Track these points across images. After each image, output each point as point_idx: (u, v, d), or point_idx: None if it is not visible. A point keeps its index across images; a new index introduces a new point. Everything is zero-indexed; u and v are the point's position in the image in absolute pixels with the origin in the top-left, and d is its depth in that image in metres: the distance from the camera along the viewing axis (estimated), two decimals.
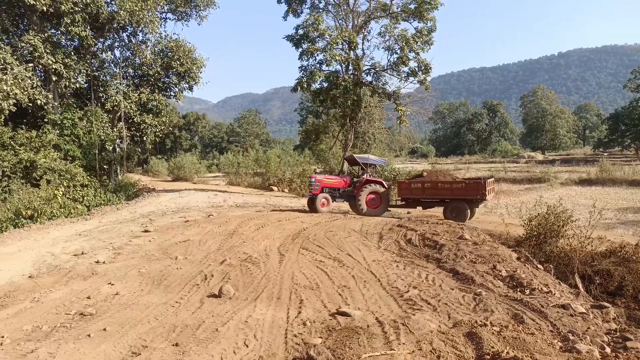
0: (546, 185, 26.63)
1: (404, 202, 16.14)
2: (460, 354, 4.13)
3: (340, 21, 24.19)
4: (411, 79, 23.46)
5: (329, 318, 5.32)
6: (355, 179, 17.05)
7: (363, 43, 23.89)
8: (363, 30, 23.95)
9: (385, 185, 16.42)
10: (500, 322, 4.88)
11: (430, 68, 22.76)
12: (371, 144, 36.98)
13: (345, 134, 25.63)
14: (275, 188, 25.68)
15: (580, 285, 8.13)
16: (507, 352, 3.98)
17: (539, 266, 8.12)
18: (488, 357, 4.03)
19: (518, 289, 6.16)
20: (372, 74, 24.58)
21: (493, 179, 16.91)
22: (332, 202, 16.24)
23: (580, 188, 25.42)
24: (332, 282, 6.88)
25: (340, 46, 22.90)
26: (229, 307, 5.81)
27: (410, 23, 23.44)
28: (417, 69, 22.85)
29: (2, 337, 5.04)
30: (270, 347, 4.55)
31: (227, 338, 4.75)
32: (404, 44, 22.19)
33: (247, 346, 4.58)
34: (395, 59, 23.00)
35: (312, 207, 15.93)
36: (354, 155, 16.65)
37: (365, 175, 16.68)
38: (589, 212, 10.22)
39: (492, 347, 4.16)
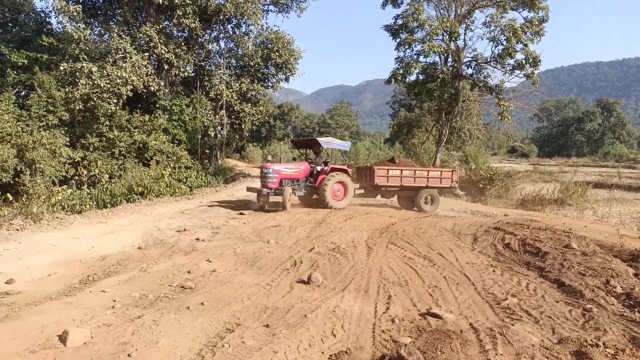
0: None
1: (362, 191, 15.03)
2: None
3: (441, 11, 23.31)
4: (517, 72, 22.02)
5: (418, 318, 5.16)
6: (314, 168, 14.41)
7: (465, 33, 22.89)
8: (466, 20, 22.86)
9: (350, 173, 14.49)
10: (615, 344, 4.36)
11: (540, 61, 21.14)
12: (466, 140, 35.43)
13: (439, 128, 24.78)
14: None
15: None
16: None
17: None
18: None
19: (636, 310, 5.49)
20: (473, 66, 23.46)
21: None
22: (293, 195, 13.77)
23: None
24: (422, 281, 6.67)
25: (440, 37, 22.09)
26: (317, 294, 5.86)
27: (519, 12, 21.96)
28: (524, 61, 21.34)
29: (114, 301, 5.55)
30: (357, 340, 4.51)
31: (315, 325, 4.79)
32: (511, 34, 20.82)
33: (334, 336, 4.58)
34: (500, 51, 21.70)
35: (282, 205, 13.09)
36: (318, 138, 14.16)
37: (328, 162, 14.59)
38: None
39: None
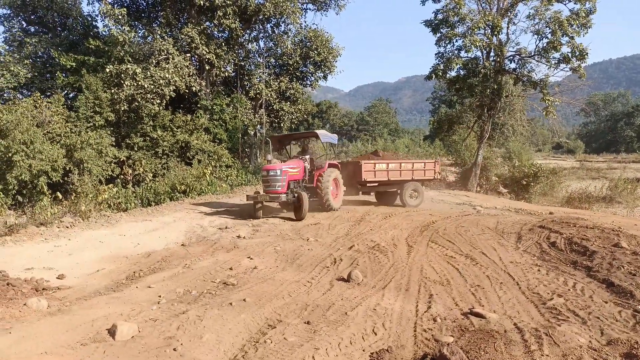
0: None
1: (344, 188, 13.50)
2: None
3: (483, 4, 22.66)
4: (562, 65, 21.11)
5: (461, 317, 5.06)
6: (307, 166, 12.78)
7: (508, 27, 22.12)
8: (509, 13, 22.12)
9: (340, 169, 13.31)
10: None
11: (587, 54, 20.19)
12: (509, 137, 34.42)
13: (481, 125, 24.15)
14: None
15: None
16: None
17: None
18: None
19: None
20: (516, 60, 22.69)
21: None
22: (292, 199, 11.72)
23: None
24: (464, 280, 6.54)
25: (481, 31, 21.49)
26: (358, 292, 5.86)
27: (565, 4, 21.10)
28: (570, 54, 20.48)
29: (160, 296, 5.74)
30: (399, 338, 4.48)
31: (356, 323, 4.79)
32: (556, 27, 20.01)
33: (375, 334, 4.56)
34: (544, 44, 20.89)
35: (298, 215, 11.56)
36: (317, 131, 12.75)
37: (313, 159, 13.10)
38: None
39: None
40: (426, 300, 5.62)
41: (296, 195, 11.59)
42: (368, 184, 14.05)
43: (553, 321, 4.92)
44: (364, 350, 4.19)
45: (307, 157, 13.04)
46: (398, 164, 14.17)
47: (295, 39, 23.73)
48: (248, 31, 23.13)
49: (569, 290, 6.10)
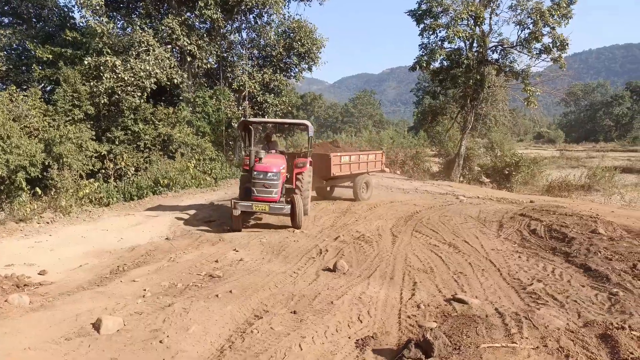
0: None
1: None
2: (591, 355, 3.77)
3: None
4: (543, 56, 21.43)
5: (444, 303, 5.17)
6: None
7: (490, 18, 22.31)
8: (491, 4, 22.26)
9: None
10: None
11: (567, 44, 20.52)
12: (492, 127, 34.79)
13: (464, 115, 24.38)
14: (387, 169, 25.42)
15: None
16: None
17: None
18: None
19: None
20: (498, 51, 22.92)
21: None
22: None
23: None
24: (447, 268, 6.66)
25: (465, 22, 21.63)
26: (343, 282, 5.92)
27: None
28: (551, 45, 20.76)
29: (145, 290, 5.72)
30: (383, 325, 4.56)
31: (341, 311, 4.85)
32: (538, 17, 20.25)
33: (360, 321, 4.64)
34: (526, 35, 21.14)
35: (295, 222, 9.47)
36: (306, 122, 10.73)
37: (308, 154, 10.87)
38: None
39: (632, 354, 3.74)
40: (410, 288, 5.71)
41: (289, 200, 9.52)
42: (337, 179, 12.85)
43: (532, 305, 5.07)
44: (349, 338, 4.26)
45: (276, 150, 11.09)
46: (357, 156, 13.17)
47: (279, 29, 23.50)
48: (230, 22, 22.82)
49: (548, 275, 6.27)
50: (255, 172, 9.25)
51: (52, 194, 12.01)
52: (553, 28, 20.62)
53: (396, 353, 3.91)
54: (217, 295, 5.38)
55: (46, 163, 13.91)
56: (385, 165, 15.06)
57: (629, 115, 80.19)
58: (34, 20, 23.51)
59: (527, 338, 4.07)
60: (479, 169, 24.17)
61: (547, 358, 3.73)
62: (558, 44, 20.59)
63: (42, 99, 17.50)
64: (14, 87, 16.72)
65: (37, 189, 12.39)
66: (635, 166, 29.15)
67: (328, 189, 13.83)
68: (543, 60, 21.82)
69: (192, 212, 11.54)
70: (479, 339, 4.00)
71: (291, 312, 4.84)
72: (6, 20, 23.44)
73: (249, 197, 9.33)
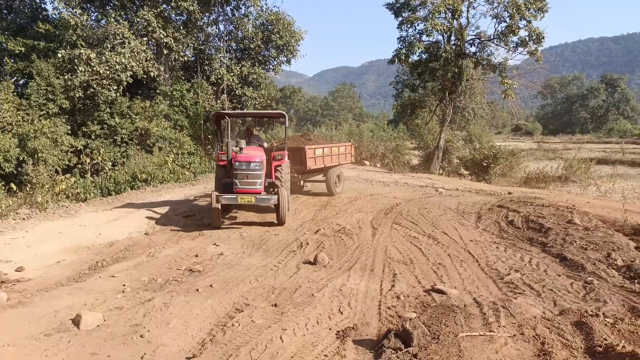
0: None
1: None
2: (567, 342, 3.87)
3: None
4: (520, 49, 21.70)
5: (423, 294, 5.25)
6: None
7: (468, 11, 22.43)
8: None
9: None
10: (614, 314, 4.47)
11: (543, 38, 20.83)
12: (470, 120, 35.20)
13: (443, 108, 24.60)
14: (367, 162, 25.57)
15: None
16: (623, 346, 3.64)
17: None
18: (600, 349, 3.72)
19: (636, 281, 5.56)
20: (476, 44, 23.10)
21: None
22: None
23: None
24: (426, 259, 6.76)
25: (442, 15, 21.76)
26: (324, 274, 5.96)
27: None
28: (527, 38, 21.06)
29: (124, 285, 5.67)
30: (364, 316, 4.61)
31: (322, 303, 4.89)
32: (514, 11, 20.49)
33: (341, 313, 4.68)
34: (503, 28, 21.39)
35: (280, 217, 9.19)
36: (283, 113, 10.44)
37: (285, 146, 10.48)
38: None
39: (605, 340, 3.84)
40: (390, 280, 5.78)
41: (274, 191, 9.23)
42: (309, 172, 12.50)
43: (510, 295, 5.18)
44: (330, 329, 4.30)
45: (258, 142, 10.83)
46: (330, 148, 12.96)
47: (256, 22, 23.29)
48: (207, 14, 22.51)
49: (525, 265, 6.41)
50: (237, 163, 8.87)
51: (28, 189, 11.75)
52: (529, 21, 20.89)
53: (376, 343, 3.97)
54: (197, 290, 5.37)
55: (20, 158, 13.62)
56: (353, 157, 14.99)
57: (604, 108, 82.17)
58: (5, 12, 22.80)
59: (504, 327, 4.16)
60: (458, 161, 24.43)
61: (524, 346, 3.82)
62: (534, 37, 20.88)
63: (15, 93, 17.03)
64: None
65: (12, 185, 12.13)
66: (611, 157, 29.85)
67: (301, 183, 13.58)
68: (520, 53, 22.10)
69: (171, 206, 11.42)
70: (458, 328, 4.08)
71: (272, 305, 4.86)
72: None
73: (229, 192, 8.94)
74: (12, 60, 19.03)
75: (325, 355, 3.83)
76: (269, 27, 22.92)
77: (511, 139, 59.28)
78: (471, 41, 23.09)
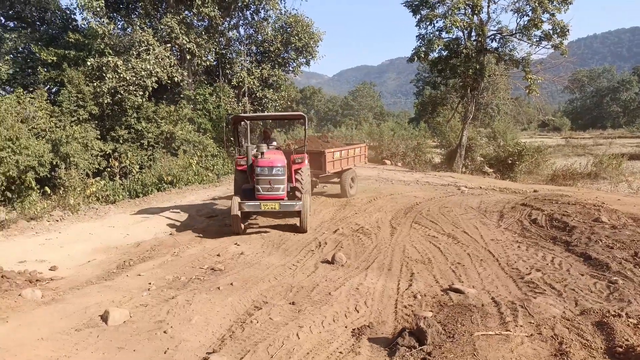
0: None
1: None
2: (586, 342, 3.83)
3: None
4: (544, 43, 21.24)
5: (440, 293, 5.27)
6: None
7: (488, 6, 22.10)
8: None
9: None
10: (639, 314, 4.37)
11: (568, 30, 20.30)
12: (494, 116, 34.65)
13: (465, 105, 24.31)
14: (388, 162, 25.47)
15: None
16: None
17: None
18: (620, 349, 3.67)
19: None
20: (497, 39, 22.76)
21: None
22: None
23: None
24: (445, 258, 6.75)
25: (462, 11, 21.50)
26: (341, 273, 6.04)
27: None
28: (551, 32, 20.58)
29: (150, 283, 5.90)
30: (380, 315, 4.67)
31: (339, 302, 4.98)
32: (536, 4, 20.09)
33: (357, 311, 4.76)
34: (525, 22, 20.98)
35: (302, 224, 8.70)
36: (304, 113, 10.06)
37: (304, 149, 10.06)
38: None
39: (627, 340, 3.79)
40: (407, 279, 5.82)
41: (298, 197, 8.89)
42: (326, 176, 12.32)
43: (530, 294, 5.13)
44: (346, 327, 4.38)
45: (275, 145, 10.64)
46: (347, 151, 12.83)
47: (276, 25, 23.55)
48: (227, 19, 22.89)
49: (547, 264, 6.33)
50: (259, 168, 8.51)
51: (61, 192, 12.28)
52: (553, 14, 20.41)
53: (391, 341, 4.03)
54: (218, 288, 5.54)
55: (54, 163, 14.15)
56: (367, 158, 14.95)
57: (637, 101, 79.02)
58: (38, 23, 23.70)
59: (521, 326, 4.14)
60: (482, 159, 24.10)
61: (541, 345, 3.80)
62: (558, 30, 20.38)
63: (48, 101, 17.74)
64: (21, 90, 16.96)
65: (47, 188, 12.66)
66: None
67: (315, 187, 13.33)
68: (544, 47, 21.67)
69: (195, 207, 11.70)
70: (473, 327, 4.10)
71: (290, 303, 4.98)
72: (11, 25, 23.68)
73: (250, 198, 8.59)
74: (45, 70, 19.77)
75: (340, 352, 3.91)
76: (288, 29, 23.14)
77: (538, 135, 58.04)
78: (492, 36, 22.76)
